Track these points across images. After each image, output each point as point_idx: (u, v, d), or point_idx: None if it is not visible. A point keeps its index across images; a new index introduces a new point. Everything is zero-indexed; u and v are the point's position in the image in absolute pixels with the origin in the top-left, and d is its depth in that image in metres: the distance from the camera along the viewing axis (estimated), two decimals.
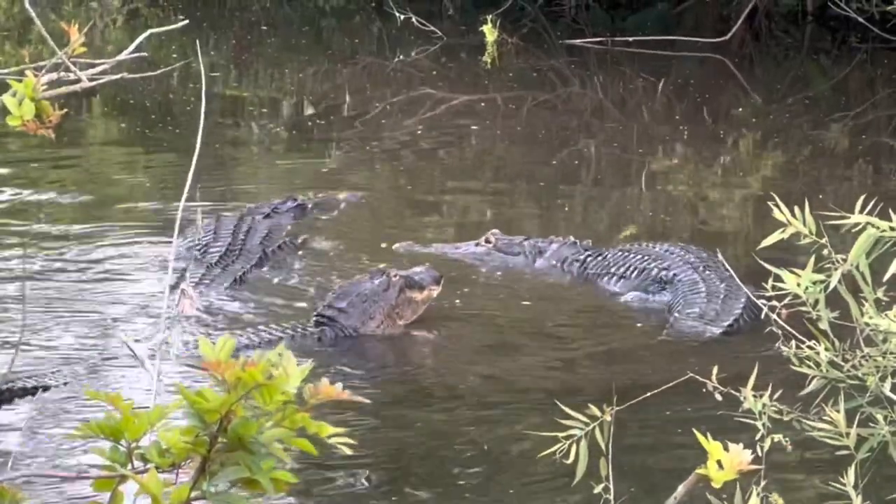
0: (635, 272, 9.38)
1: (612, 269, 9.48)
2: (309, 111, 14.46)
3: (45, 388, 7.18)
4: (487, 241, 9.86)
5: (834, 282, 4.56)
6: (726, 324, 8.55)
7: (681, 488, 3.71)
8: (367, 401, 6.86)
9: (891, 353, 4.58)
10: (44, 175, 11.77)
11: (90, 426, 2.59)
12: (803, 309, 4.63)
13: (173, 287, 8.65)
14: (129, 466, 2.58)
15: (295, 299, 9.03)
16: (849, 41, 18.29)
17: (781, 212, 4.62)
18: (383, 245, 9.86)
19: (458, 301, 8.97)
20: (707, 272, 9.12)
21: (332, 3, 21.22)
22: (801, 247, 4.68)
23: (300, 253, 9.82)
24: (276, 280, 9.35)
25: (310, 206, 10.73)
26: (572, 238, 9.86)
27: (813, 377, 4.63)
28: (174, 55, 16.68)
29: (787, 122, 14.55)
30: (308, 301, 8.92)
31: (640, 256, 9.48)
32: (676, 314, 8.79)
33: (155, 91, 15.22)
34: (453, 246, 9.94)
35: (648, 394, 5.03)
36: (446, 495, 6.41)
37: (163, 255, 9.37)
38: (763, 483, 4.40)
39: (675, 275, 9.23)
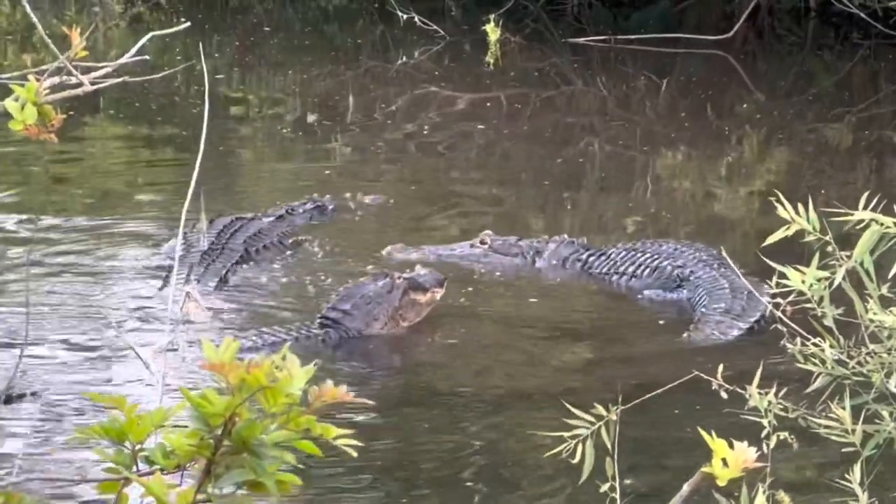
0: (647, 270, 9.33)
1: (621, 268, 9.43)
2: (312, 118, 14.44)
3: (34, 394, 7.18)
4: (482, 243, 9.80)
5: (838, 279, 4.55)
6: (753, 320, 8.48)
7: (686, 487, 3.70)
8: (372, 402, 6.86)
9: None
10: (47, 179, 11.77)
11: (94, 429, 2.59)
12: (808, 306, 4.62)
13: (162, 288, 8.73)
14: (134, 469, 2.58)
15: (281, 300, 9.01)
16: (851, 37, 18.29)
17: (785, 209, 4.61)
18: (372, 253, 9.81)
19: (462, 300, 8.97)
20: (723, 269, 9.06)
21: (334, 4, 21.22)
22: (805, 244, 4.67)
23: (289, 253, 9.80)
24: (263, 280, 9.34)
25: (331, 207, 10.69)
26: (566, 236, 9.81)
27: (818, 374, 4.63)
28: (178, 57, 16.68)
29: (790, 119, 14.54)
30: (303, 301, 8.91)
31: (649, 255, 9.43)
32: (703, 310, 8.75)
33: (159, 94, 15.23)
34: (447, 248, 9.86)
35: (654, 392, 5.03)
36: (452, 496, 6.41)
37: (168, 258, 9.38)
38: (769, 481, 4.40)
39: (691, 272, 9.19)
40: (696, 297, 8.96)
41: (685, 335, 8.37)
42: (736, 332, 8.42)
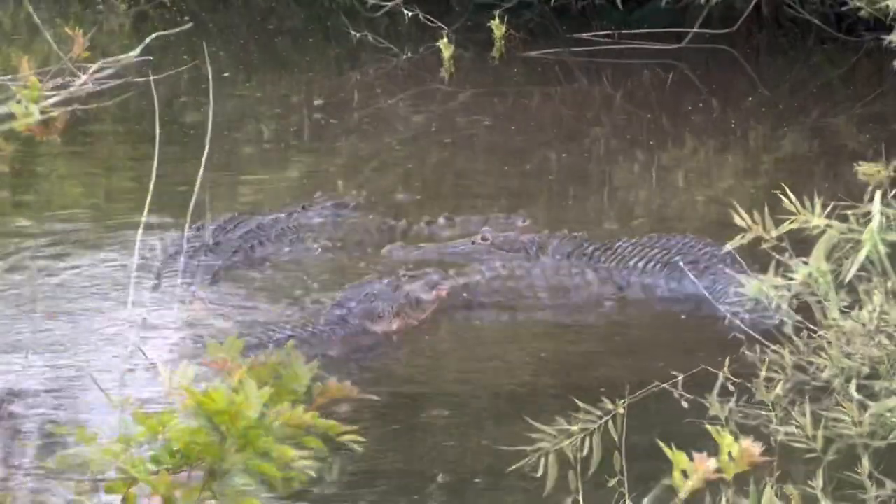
0: (658, 265, 9.28)
1: (630, 263, 9.38)
2: (317, 115, 14.45)
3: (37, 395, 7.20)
4: (484, 239, 9.76)
5: (797, 285, 4.54)
6: (780, 318, 8.38)
7: (646, 501, 3.71)
8: (377, 398, 6.87)
9: (856, 355, 4.57)
10: (50, 179, 11.78)
11: (61, 461, 2.60)
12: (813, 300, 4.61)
13: (156, 288, 8.73)
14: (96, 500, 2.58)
15: (284, 299, 9.01)
16: (856, 29, 18.25)
17: (792, 203, 4.61)
18: (371, 252, 9.79)
19: (466, 296, 8.96)
20: (736, 265, 8.98)
21: (338, 2, 21.21)
22: (814, 239, 4.67)
23: (287, 250, 9.78)
24: (264, 278, 9.34)
25: (352, 204, 10.65)
26: (566, 231, 9.77)
27: (779, 381, 4.62)
28: (184, 57, 16.68)
29: (795, 112, 14.53)
30: (306, 299, 8.91)
31: (658, 249, 9.38)
32: (729, 307, 8.67)
33: (163, 93, 15.23)
34: (448, 245, 9.82)
35: (661, 386, 5.02)
36: (457, 491, 6.41)
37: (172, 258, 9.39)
38: (777, 474, 4.39)
39: (705, 268, 9.14)
40: (715, 294, 8.89)
41: (685, 331, 8.36)
42: (763, 329, 8.34)
